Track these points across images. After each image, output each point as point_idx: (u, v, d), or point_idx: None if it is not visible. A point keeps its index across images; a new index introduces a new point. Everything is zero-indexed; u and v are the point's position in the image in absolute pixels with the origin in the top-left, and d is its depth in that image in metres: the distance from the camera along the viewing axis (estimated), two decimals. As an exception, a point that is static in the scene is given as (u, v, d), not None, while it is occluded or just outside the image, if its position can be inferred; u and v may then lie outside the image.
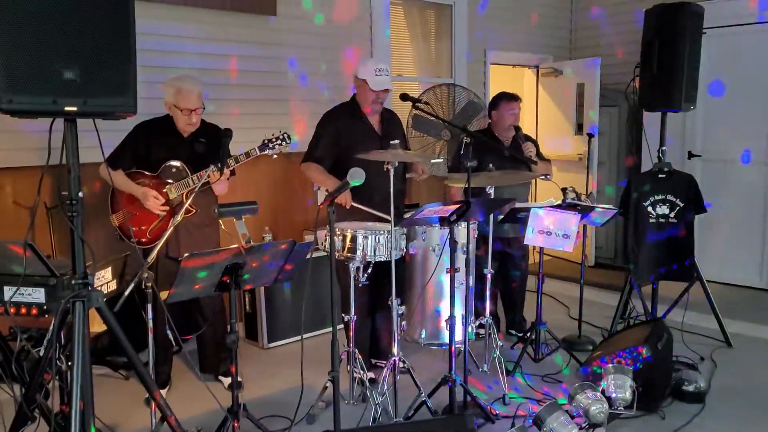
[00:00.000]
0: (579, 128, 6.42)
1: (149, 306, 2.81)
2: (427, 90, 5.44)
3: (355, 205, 3.59)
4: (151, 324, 2.83)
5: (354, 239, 3.32)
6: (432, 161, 4.03)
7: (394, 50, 5.64)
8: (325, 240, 3.43)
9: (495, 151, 4.18)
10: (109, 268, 3.12)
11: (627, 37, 6.35)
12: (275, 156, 3.50)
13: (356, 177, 2.71)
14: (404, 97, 3.78)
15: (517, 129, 4.33)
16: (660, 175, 4.40)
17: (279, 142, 3.49)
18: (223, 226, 3.34)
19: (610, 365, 3.34)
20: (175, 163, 3.55)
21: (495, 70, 6.46)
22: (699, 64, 4.41)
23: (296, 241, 2.80)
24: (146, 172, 3.58)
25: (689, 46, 4.25)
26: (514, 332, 4.61)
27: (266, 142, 3.48)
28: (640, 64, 4.43)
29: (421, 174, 3.88)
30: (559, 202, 3.89)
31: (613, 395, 3.22)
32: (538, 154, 4.45)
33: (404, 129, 4.28)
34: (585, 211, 3.87)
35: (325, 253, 4.06)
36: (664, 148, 4.44)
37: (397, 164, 3.25)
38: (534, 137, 4.93)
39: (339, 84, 5.02)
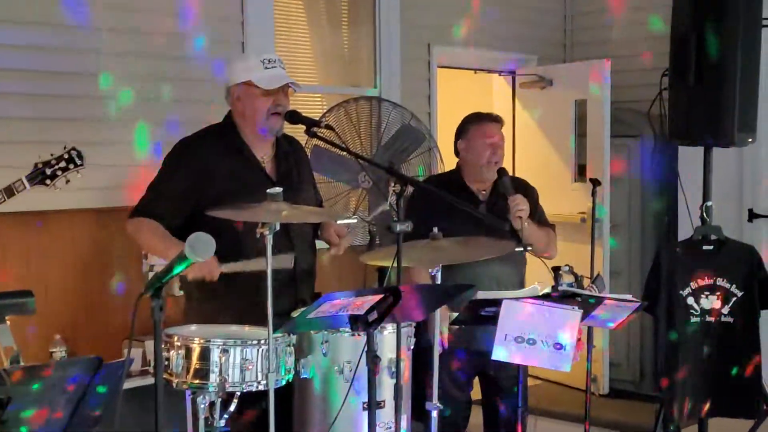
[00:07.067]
0: (580, 171, 6.50)
1: None
2: (335, 107, 5.47)
3: (226, 269, 3.57)
4: None
5: (205, 355, 3.29)
6: (340, 221, 4.00)
7: (282, 44, 5.64)
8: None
9: (455, 207, 4.13)
10: None
11: (651, 31, 6.52)
12: (58, 189, 3.56)
13: (197, 248, 2.63)
14: (293, 117, 3.76)
15: (502, 172, 4.37)
16: (705, 247, 4.46)
17: (63, 164, 3.56)
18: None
19: None
20: None
21: (446, 76, 6.52)
22: (758, 72, 4.56)
23: (103, 358, 2.74)
24: None
25: (743, 44, 4.39)
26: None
27: (40, 166, 3.51)
28: (670, 71, 4.60)
29: (338, 243, 3.89)
30: (548, 289, 3.86)
31: None
32: (534, 215, 4.46)
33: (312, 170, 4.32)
34: (589, 306, 3.85)
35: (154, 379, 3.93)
36: (709, 203, 4.55)
37: (278, 228, 3.24)
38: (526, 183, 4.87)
39: (181, 96, 5.07)
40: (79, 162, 3.56)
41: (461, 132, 4.53)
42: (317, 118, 4.40)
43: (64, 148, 3.56)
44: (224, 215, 3.35)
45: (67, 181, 3.55)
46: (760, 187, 6.05)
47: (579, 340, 3.66)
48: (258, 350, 3.31)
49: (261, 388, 3.30)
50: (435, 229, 3.81)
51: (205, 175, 3.75)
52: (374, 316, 3.08)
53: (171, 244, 3.66)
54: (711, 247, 4.46)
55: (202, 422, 3.33)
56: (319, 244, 4.05)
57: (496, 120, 4.51)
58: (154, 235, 3.72)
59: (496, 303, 3.62)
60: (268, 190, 3.37)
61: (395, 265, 3.35)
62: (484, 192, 4.45)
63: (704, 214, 4.52)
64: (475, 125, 4.47)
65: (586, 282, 4.17)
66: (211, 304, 3.70)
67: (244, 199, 3.50)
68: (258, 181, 3.76)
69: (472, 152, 4.44)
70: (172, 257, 3.53)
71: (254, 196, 3.50)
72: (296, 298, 3.81)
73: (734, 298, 4.45)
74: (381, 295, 3.08)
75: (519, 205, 4.23)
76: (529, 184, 4.67)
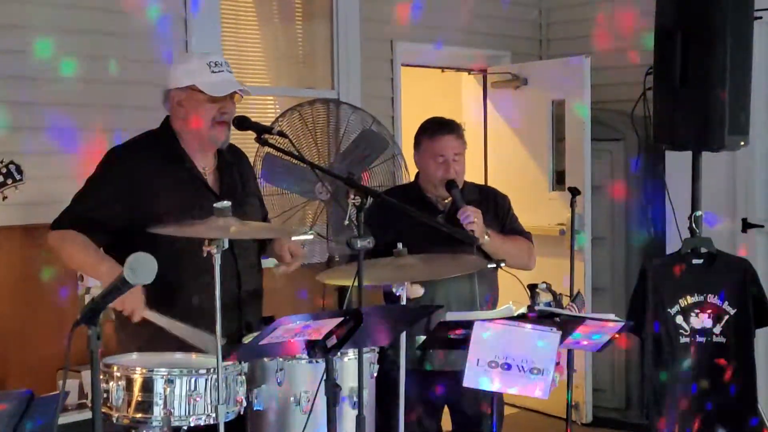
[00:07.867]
0: (558, 178, 6.51)
1: None
2: (289, 111, 5.39)
3: (149, 316, 3.48)
4: None
5: (148, 386, 3.23)
6: (294, 237, 4.00)
7: (229, 41, 5.61)
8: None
9: (417, 220, 4.10)
10: None
11: (634, 23, 6.46)
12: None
13: (138, 270, 2.55)
14: (242, 123, 3.71)
15: (450, 186, 4.34)
16: (694, 261, 4.47)
17: (0, 178, 3.52)
18: None
19: None
20: None
21: (411, 75, 6.51)
22: (750, 69, 4.55)
23: (35, 391, 2.68)
24: None
25: (732, 38, 4.39)
26: None
27: None
28: (654, 70, 4.60)
29: (290, 261, 3.86)
30: (524, 309, 3.77)
31: None
32: (504, 223, 4.48)
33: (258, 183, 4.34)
34: (569, 326, 3.75)
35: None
36: (699, 213, 4.55)
37: (228, 245, 3.21)
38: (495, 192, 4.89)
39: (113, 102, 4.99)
40: (18, 177, 3.52)
41: (416, 143, 4.53)
42: (269, 124, 4.34)
43: (1, 161, 3.50)
44: (166, 232, 3.29)
45: (4, 198, 3.50)
46: (755, 195, 6.02)
47: (558, 364, 3.61)
48: (206, 380, 3.24)
49: (210, 421, 3.24)
50: (399, 245, 3.82)
51: (140, 189, 3.69)
52: (333, 341, 3.07)
53: (101, 260, 3.60)
54: (701, 261, 4.48)
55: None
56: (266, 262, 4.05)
57: (452, 130, 4.44)
58: (81, 249, 3.63)
59: (467, 325, 3.55)
60: (215, 204, 3.34)
61: (356, 284, 3.29)
62: (445, 201, 4.42)
63: (693, 225, 4.53)
64: (428, 139, 4.43)
65: (566, 300, 4.15)
66: (148, 330, 3.57)
67: (185, 214, 3.47)
68: (200, 194, 3.72)
69: (425, 169, 4.47)
70: (102, 276, 3.58)
71: (195, 212, 3.50)
72: (241, 321, 3.77)
73: (726, 317, 4.46)
74: (341, 318, 3.05)
75: (469, 217, 4.24)
76: (498, 192, 4.69)
